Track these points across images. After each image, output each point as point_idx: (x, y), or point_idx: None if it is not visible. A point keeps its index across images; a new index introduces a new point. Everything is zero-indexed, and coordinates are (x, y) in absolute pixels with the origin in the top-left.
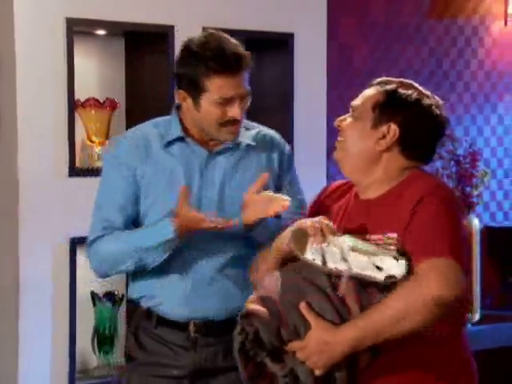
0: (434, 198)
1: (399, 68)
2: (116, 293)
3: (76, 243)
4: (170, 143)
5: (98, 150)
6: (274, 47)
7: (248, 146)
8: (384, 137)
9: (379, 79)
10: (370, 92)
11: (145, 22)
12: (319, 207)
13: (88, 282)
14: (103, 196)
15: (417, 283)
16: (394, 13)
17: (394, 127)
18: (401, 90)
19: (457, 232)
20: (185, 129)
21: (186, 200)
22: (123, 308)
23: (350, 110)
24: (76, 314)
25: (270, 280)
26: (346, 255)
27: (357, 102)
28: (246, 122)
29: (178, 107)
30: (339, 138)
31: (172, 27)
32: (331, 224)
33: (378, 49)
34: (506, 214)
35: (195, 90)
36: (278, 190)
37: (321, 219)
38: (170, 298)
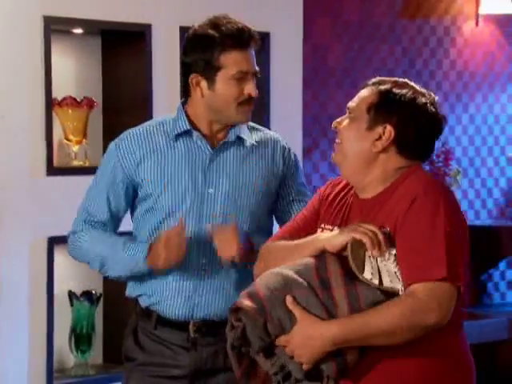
0: (428, 199)
1: (373, 67)
2: (93, 292)
3: (53, 242)
4: (177, 137)
5: (75, 148)
6: None
7: (252, 145)
8: (380, 138)
9: (374, 79)
10: (364, 93)
11: (122, 21)
12: (318, 209)
13: (65, 281)
14: (93, 186)
15: (418, 308)
16: (368, 13)
17: (389, 128)
18: (395, 90)
19: (453, 240)
20: (192, 123)
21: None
22: (101, 307)
23: (347, 111)
24: (53, 313)
25: (260, 277)
26: (396, 269)
27: (352, 103)
28: (252, 124)
29: (183, 104)
30: (337, 141)
31: (149, 26)
32: (387, 231)
33: (351, 48)
34: (477, 212)
35: (210, 70)
36: (280, 193)
37: (374, 228)
38: (170, 296)
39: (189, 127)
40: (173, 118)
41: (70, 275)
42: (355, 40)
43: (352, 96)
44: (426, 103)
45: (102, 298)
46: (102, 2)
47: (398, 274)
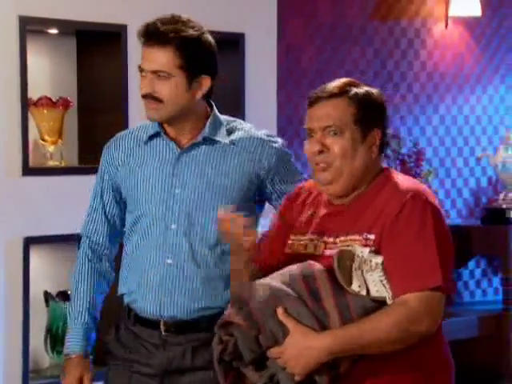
0: (417, 206)
1: (345, 68)
2: (69, 292)
3: (29, 242)
4: (148, 140)
5: (50, 149)
6: (224, 47)
7: (226, 145)
8: (374, 143)
9: (325, 92)
10: (334, 107)
11: (97, 22)
12: (285, 219)
13: (41, 281)
14: (92, 196)
15: (411, 317)
16: (340, 14)
17: (377, 131)
18: (362, 92)
19: (444, 246)
20: (163, 126)
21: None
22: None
23: (319, 132)
24: (29, 313)
25: (245, 290)
26: (382, 278)
27: (324, 122)
28: (235, 124)
29: None
30: (322, 164)
31: (125, 27)
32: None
33: (324, 49)
34: (447, 212)
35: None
36: (263, 190)
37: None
38: (142, 295)
39: (158, 129)
40: (150, 122)
41: (45, 275)
42: (328, 41)
43: None
44: (380, 93)
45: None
46: (78, 3)
47: (384, 282)
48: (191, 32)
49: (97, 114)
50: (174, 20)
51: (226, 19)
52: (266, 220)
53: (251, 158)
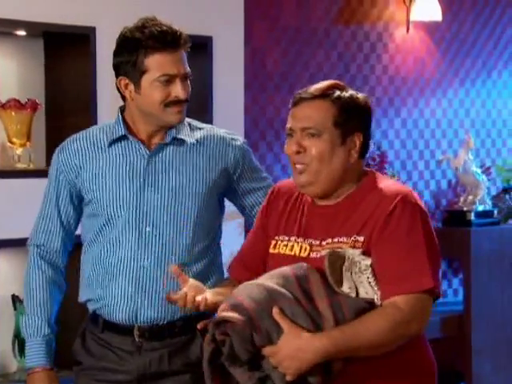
0: (407, 208)
1: (310, 72)
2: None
3: None
4: (114, 142)
5: (18, 151)
6: (192, 50)
7: (193, 144)
8: (353, 147)
9: (309, 93)
10: (316, 108)
11: (66, 23)
12: (268, 217)
13: (9, 284)
14: (44, 200)
15: (402, 320)
16: (305, 18)
17: (358, 135)
18: (346, 96)
19: (432, 248)
20: (129, 128)
21: None
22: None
23: (296, 132)
24: None
25: (238, 289)
26: (371, 280)
27: (304, 123)
28: (195, 123)
29: (123, 110)
30: (298, 166)
31: (94, 29)
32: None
33: (289, 52)
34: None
35: (136, 73)
36: (231, 190)
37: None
38: (114, 301)
39: (124, 132)
40: (112, 123)
41: (13, 279)
42: (293, 45)
43: (289, 100)
44: (366, 97)
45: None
46: (46, 4)
47: (372, 284)
48: None
49: (65, 116)
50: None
51: (194, 23)
52: (228, 225)
53: (218, 156)
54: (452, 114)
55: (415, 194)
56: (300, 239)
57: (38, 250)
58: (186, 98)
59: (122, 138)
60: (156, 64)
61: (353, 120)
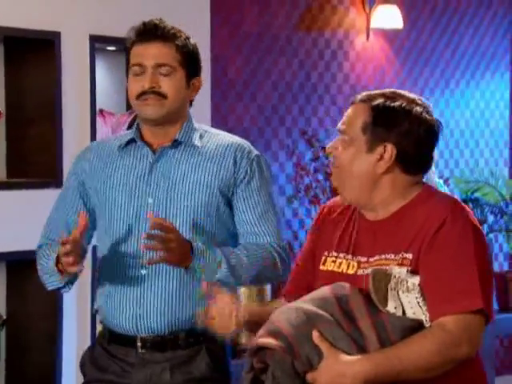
0: (457, 225)
1: (272, 79)
2: None
3: None
4: (125, 147)
5: None
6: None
7: (199, 149)
8: (381, 158)
9: (360, 95)
10: (354, 112)
11: (29, 28)
12: (319, 234)
13: None
14: (58, 198)
15: (451, 342)
16: (267, 24)
17: (390, 147)
18: (388, 104)
19: (484, 267)
20: (140, 131)
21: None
22: (4, 332)
23: (339, 134)
24: None
25: (276, 313)
26: (419, 299)
27: (342, 124)
28: (208, 129)
29: None
30: (333, 166)
31: (58, 34)
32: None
33: (251, 60)
34: None
35: (127, 70)
36: (228, 200)
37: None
38: (115, 311)
39: (133, 136)
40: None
41: None
42: (254, 52)
43: (252, 109)
44: (421, 112)
45: (5, 323)
46: (7, 8)
47: (421, 304)
48: (184, 34)
49: (27, 124)
50: (164, 22)
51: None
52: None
53: (223, 163)
54: None
55: (468, 209)
56: (349, 256)
57: (47, 237)
58: (149, 87)
59: (132, 142)
60: (132, 55)
61: (383, 128)
